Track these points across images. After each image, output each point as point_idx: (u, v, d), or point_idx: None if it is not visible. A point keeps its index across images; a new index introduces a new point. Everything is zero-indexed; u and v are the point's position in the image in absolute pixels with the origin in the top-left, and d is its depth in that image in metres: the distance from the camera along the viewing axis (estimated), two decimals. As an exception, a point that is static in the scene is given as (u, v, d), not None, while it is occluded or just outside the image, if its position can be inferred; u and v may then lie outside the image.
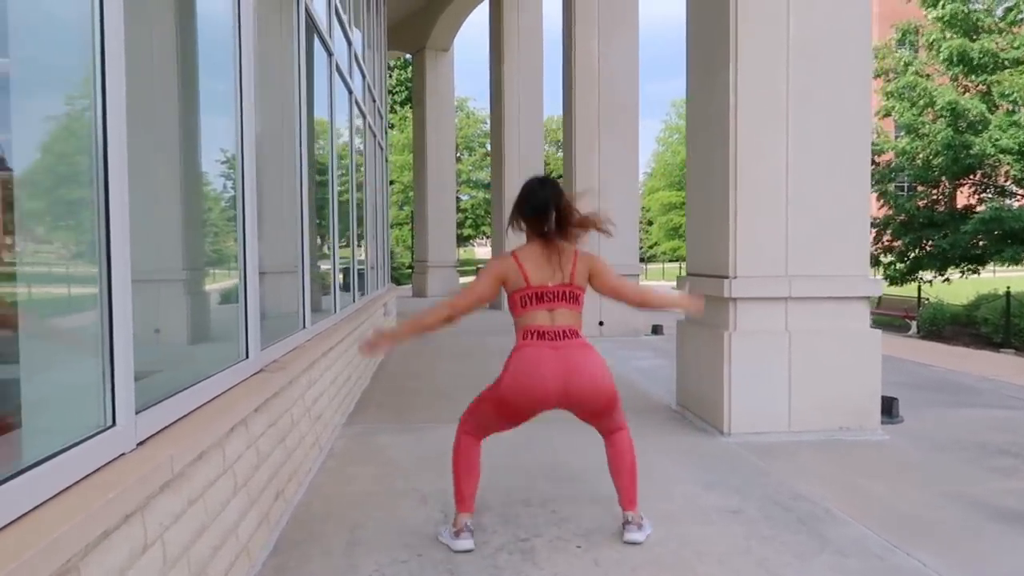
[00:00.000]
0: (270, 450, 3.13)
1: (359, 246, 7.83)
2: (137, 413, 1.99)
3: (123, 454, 1.90)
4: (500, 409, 3.10)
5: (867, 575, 2.85)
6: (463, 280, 22.43)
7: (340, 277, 5.88)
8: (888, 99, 19.17)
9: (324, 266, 5.64)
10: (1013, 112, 16.45)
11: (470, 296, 3.16)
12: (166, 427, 2.18)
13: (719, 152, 5.05)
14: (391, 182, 38.50)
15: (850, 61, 4.97)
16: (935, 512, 3.54)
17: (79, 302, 1.95)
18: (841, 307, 5.01)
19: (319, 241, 5.57)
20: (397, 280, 30.91)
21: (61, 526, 1.45)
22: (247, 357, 3.13)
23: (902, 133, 18.79)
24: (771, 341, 4.94)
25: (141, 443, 2.01)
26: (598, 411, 3.15)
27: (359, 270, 7.62)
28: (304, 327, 4.45)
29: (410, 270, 26.49)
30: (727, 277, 4.94)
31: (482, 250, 49.26)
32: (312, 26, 5.01)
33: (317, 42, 5.32)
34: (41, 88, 1.85)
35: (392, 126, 40.75)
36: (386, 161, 12.21)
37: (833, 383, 4.94)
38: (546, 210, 3.09)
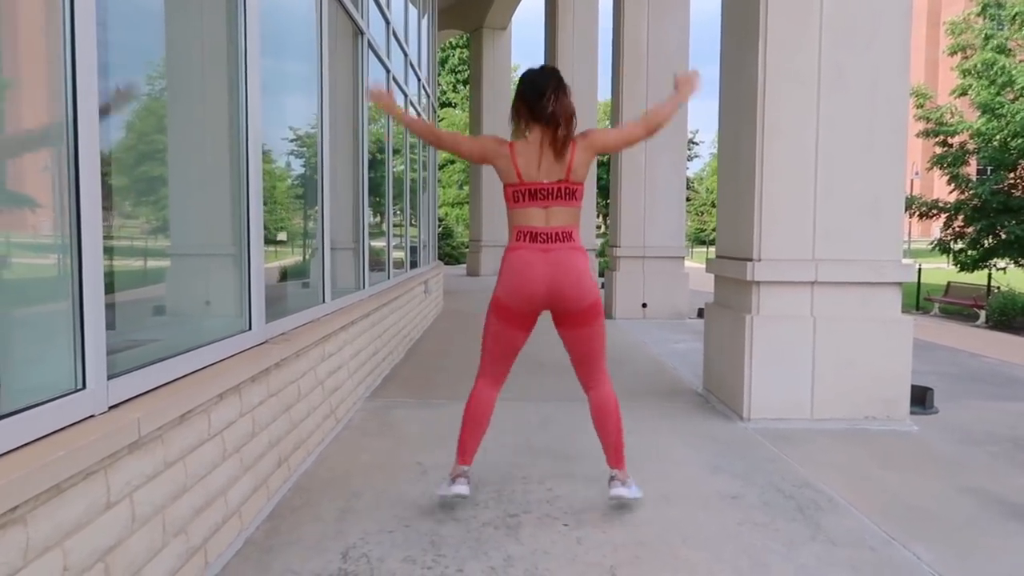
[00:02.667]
0: (270, 420, 3.23)
1: (396, 225, 7.92)
2: (110, 378, 2.09)
3: (92, 416, 2.00)
4: (499, 319, 3.21)
5: (855, 565, 2.79)
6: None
7: (369, 255, 5.97)
8: (965, 77, 18.31)
9: (352, 243, 5.74)
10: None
11: (449, 140, 3.48)
12: (145, 392, 2.28)
13: (746, 131, 4.93)
14: (452, 162, 38.77)
15: (886, 37, 4.77)
16: (945, 505, 3.43)
17: (56, 274, 2.05)
18: (870, 293, 4.85)
19: (349, 217, 5.68)
20: (456, 259, 31.20)
21: (8, 475, 1.55)
22: (249, 329, 3.23)
23: (979, 113, 17.90)
24: (795, 326, 4.82)
25: (115, 406, 2.11)
26: (582, 316, 3.17)
27: (396, 248, 7.72)
28: (324, 301, 4.55)
29: (468, 249, 26.69)
30: (751, 260, 4.84)
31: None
32: (340, 4, 5.08)
33: (348, 20, 5.39)
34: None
35: (454, 105, 40.94)
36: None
37: (860, 371, 4.81)
38: (544, 97, 3.10)
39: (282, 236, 4.45)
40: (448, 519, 3.15)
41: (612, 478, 3.27)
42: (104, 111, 2.13)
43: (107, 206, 2.14)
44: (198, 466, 2.49)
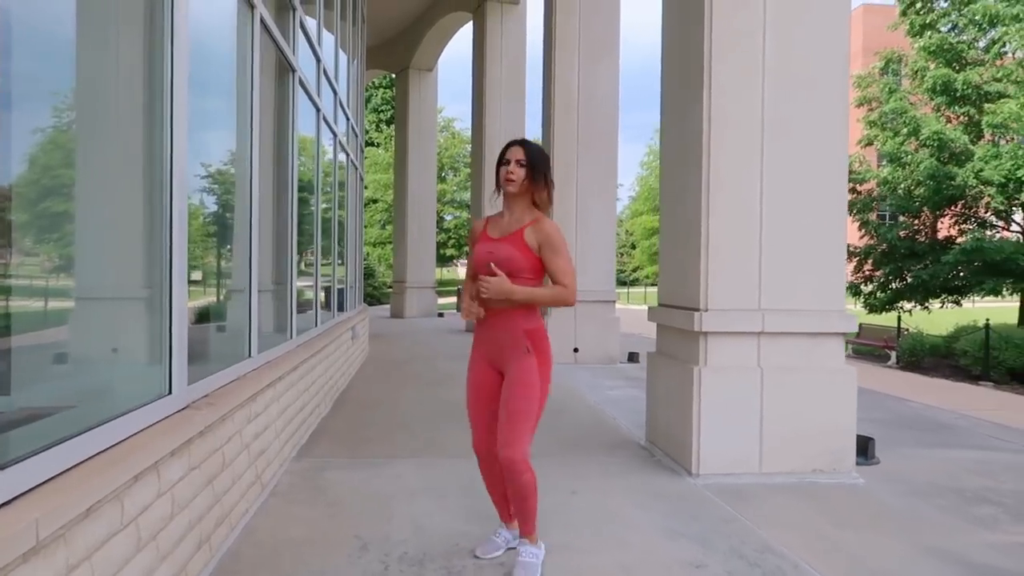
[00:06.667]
0: (191, 496, 2.87)
1: (324, 266, 7.57)
2: (1, 469, 1.74)
3: (-22, 519, 1.65)
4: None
5: (835, 644, 2.62)
6: (441, 301, 22.18)
7: (296, 300, 5.61)
8: (871, 128, 19.21)
9: (280, 288, 5.38)
10: (996, 143, 16.48)
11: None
12: (44, 482, 1.92)
13: (692, 179, 4.87)
14: (374, 201, 38.36)
15: (828, 90, 4.81)
16: (910, 569, 3.32)
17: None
18: (816, 343, 4.81)
19: (276, 261, 5.33)
20: (378, 299, 30.62)
21: None
22: (169, 392, 2.88)
23: (884, 162, 18.80)
24: (743, 378, 4.73)
25: (7, 503, 1.76)
26: None
27: (323, 291, 7.36)
28: (250, 355, 4.19)
29: (391, 289, 26.22)
30: (698, 310, 4.74)
31: (464, 270, 49.02)
32: (272, 40, 4.81)
33: (279, 57, 5.11)
34: None
35: (377, 144, 40.64)
36: (360, 180, 11.99)
37: (806, 423, 4.74)
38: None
39: (200, 277, 4.05)
40: (394, 604, 2.85)
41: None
42: None
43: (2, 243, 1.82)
44: (107, 564, 2.13)
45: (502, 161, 3.15)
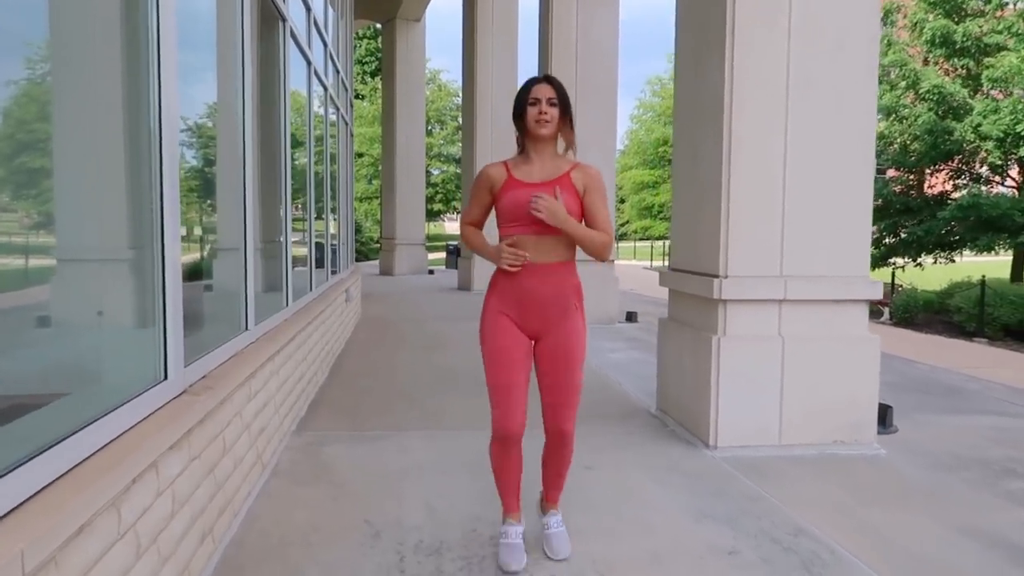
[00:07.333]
0: (193, 489, 2.65)
1: (317, 226, 7.27)
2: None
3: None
4: None
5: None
6: (431, 257, 21.88)
7: (291, 264, 5.33)
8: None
9: (273, 251, 5.10)
10: (991, 97, 16.22)
11: None
12: (27, 500, 1.68)
13: (710, 140, 4.60)
14: (360, 155, 37.66)
15: (856, 45, 4.52)
16: (949, 552, 3.16)
17: None
18: (839, 310, 4.62)
19: (269, 222, 5.03)
20: (366, 255, 30.25)
21: None
22: (165, 378, 2.63)
23: (880, 116, 18.50)
24: (763, 347, 4.53)
25: (-13, 527, 1.52)
26: None
27: (317, 254, 7.07)
28: (247, 328, 3.94)
29: (378, 245, 25.85)
30: (717, 276, 4.52)
31: (452, 224, 48.56)
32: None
33: (267, 3, 4.75)
34: None
35: (363, 97, 39.78)
36: (351, 136, 11.59)
37: (828, 393, 4.57)
38: None
39: (188, 240, 3.74)
40: (414, 602, 2.66)
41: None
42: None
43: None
44: (106, 578, 1.91)
45: (529, 101, 2.80)
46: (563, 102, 2.81)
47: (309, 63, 6.35)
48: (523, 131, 2.86)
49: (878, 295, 4.67)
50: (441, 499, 3.60)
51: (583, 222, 2.85)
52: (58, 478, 1.81)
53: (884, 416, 5.06)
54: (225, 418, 3.10)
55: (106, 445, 2.07)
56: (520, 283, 2.80)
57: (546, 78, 2.86)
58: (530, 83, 2.85)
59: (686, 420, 4.85)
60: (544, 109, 2.77)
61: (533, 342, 2.90)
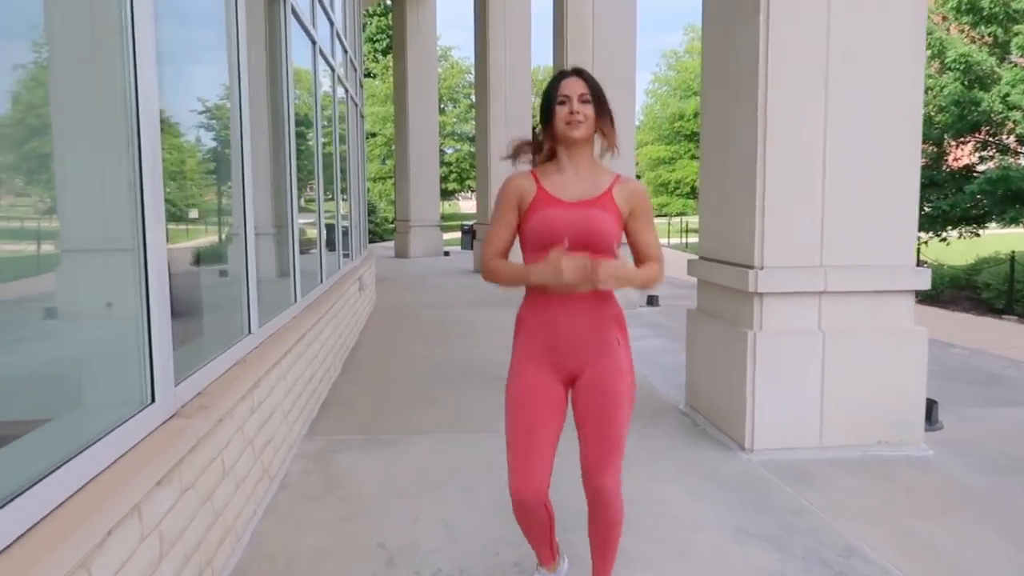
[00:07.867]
0: (186, 523, 2.39)
1: (327, 214, 6.99)
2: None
3: None
4: None
5: None
6: (446, 237, 21.60)
7: (299, 255, 5.04)
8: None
9: (280, 241, 4.83)
10: (1023, 67, 15.63)
11: None
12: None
13: (743, 119, 4.26)
14: (373, 134, 37.30)
15: (901, 14, 4.16)
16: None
17: None
18: (883, 302, 4.30)
19: (273, 212, 4.76)
20: (380, 236, 29.95)
21: None
22: (152, 401, 2.36)
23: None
24: (802, 343, 4.22)
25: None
26: None
27: (327, 242, 6.79)
28: (249, 331, 3.67)
29: (393, 226, 25.59)
30: (752, 267, 4.20)
31: (466, 203, 48.16)
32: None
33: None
34: None
35: (374, 76, 39.33)
36: (361, 117, 11.28)
37: (872, 391, 4.26)
38: None
39: (177, 233, 3.45)
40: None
41: None
42: None
43: None
44: (77, 651, 1.66)
45: (557, 100, 2.35)
46: (597, 97, 2.37)
47: (314, 42, 6.04)
48: (552, 135, 2.42)
49: (926, 285, 4.35)
50: (460, 517, 3.34)
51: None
52: (13, 542, 1.55)
53: (930, 412, 4.74)
54: (223, 438, 2.84)
55: (77, 492, 1.81)
56: (551, 317, 2.36)
57: (576, 71, 2.42)
58: (557, 78, 2.41)
59: (719, 420, 4.56)
60: (576, 108, 2.33)
61: (569, 390, 2.46)
